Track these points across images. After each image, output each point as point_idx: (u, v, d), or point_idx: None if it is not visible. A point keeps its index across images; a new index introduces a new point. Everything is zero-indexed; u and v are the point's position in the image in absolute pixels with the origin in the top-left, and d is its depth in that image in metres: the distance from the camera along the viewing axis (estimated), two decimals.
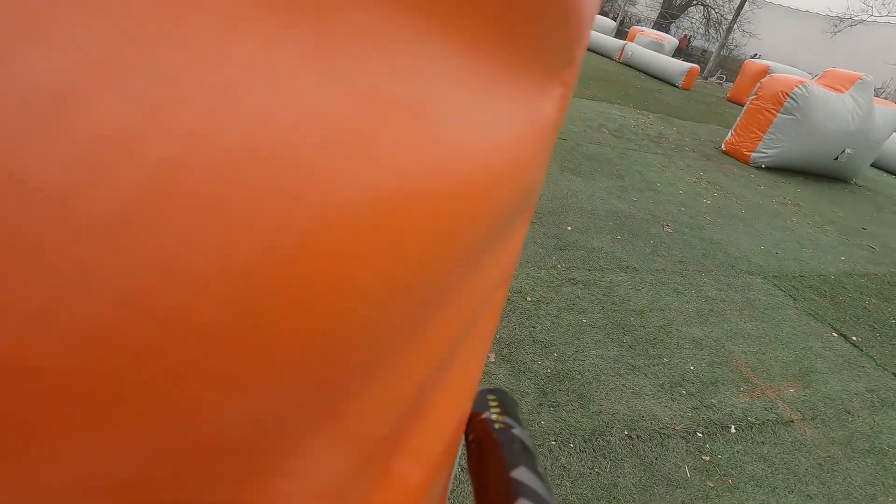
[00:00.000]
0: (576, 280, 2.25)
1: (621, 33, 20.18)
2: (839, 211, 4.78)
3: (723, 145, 5.80)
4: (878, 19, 20.47)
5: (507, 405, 0.30)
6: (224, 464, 0.11)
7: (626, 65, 12.60)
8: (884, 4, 20.30)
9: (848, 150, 5.54)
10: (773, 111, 5.21)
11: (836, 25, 21.48)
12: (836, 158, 5.58)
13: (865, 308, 2.84)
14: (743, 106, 6.17)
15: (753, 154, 5.41)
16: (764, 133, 5.35)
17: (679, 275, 2.58)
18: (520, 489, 0.23)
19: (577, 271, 2.33)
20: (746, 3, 18.70)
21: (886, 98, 17.21)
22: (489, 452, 0.26)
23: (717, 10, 22.77)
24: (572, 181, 3.44)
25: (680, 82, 10.97)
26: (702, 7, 23.81)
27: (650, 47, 13.45)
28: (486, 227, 0.20)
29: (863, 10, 20.80)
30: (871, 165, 7.40)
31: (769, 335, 2.27)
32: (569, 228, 2.73)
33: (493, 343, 1.73)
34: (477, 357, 0.30)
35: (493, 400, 0.30)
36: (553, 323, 1.92)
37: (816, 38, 22.64)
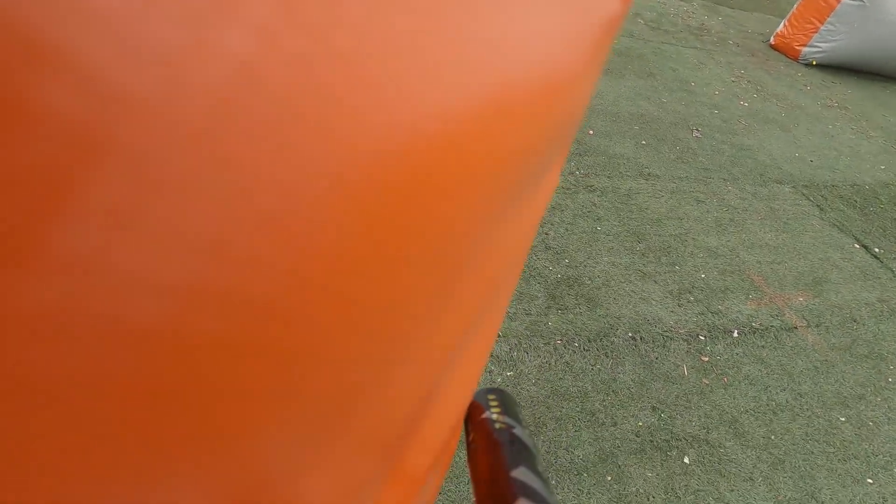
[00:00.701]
0: (593, 187, 2.19)
1: None
2: (890, 116, 4.39)
3: (772, 38, 5.20)
4: None
5: (508, 405, 0.30)
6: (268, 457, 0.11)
7: None
8: None
9: None
10: None
11: None
12: None
13: (895, 220, 2.74)
14: None
15: (805, 49, 4.85)
16: (822, 23, 4.74)
17: (703, 183, 2.48)
18: (520, 489, 0.23)
19: (595, 178, 2.25)
20: None
21: None
22: (489, 452, 0.26)
23: None
24: (599, 80, 3.18)
25: None
26: None
27: None
28: (536, 151, 0.18)
29: None
30: None
31: (788, 245, 2.23)
32: (591, 132, 2.58)
33: None
34: (485, 341, 0.29)
35: (494, 399, 0.30)
36: (567, 230, 1.91)
37: None
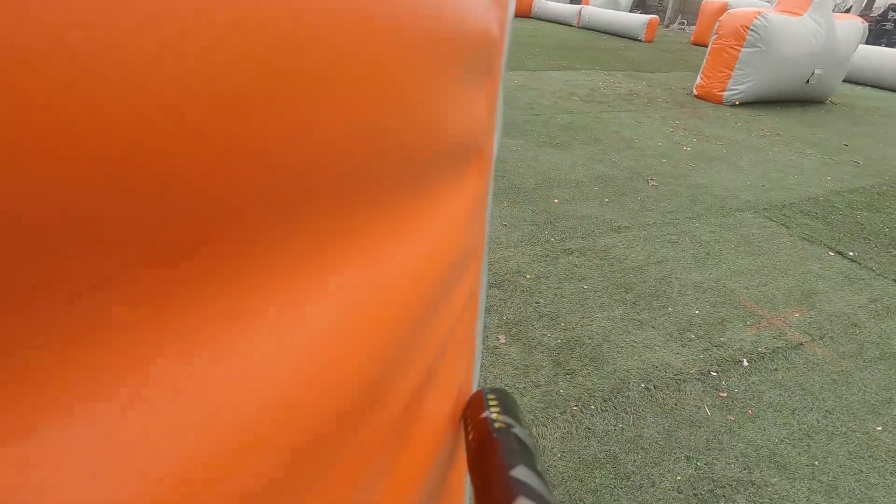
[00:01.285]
0: (571, 250, 2.29)
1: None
2: (818, 133, 4.81)
3: (694, 90, 5.82)
4: None
5: (508, 404, 0.30)
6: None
7: (585, 28, 12.57)
8: None
9: (818, 71, 5.56)
10: (737, 47, 5.22)
11: None
12: (808, 81, 5.60)
13: (858, 222, 2.88)
14: (706, 45, 6.19)
15: (725, 93, 5.43)
16: (732, 70, 5.37)
17: (671, 225, 2.62)
18: (520, 488, 0.23)
19: (570, 241, 2.37)
20: None
21: (849, 6, 17.15)
22: (489, 452, 0.26)
23: None
24: (552, 154, 3.47)
25: (642, 36, 10.94)
26: None
27: (606, 6, 13.40)
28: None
29: None
30: (844, 81, 7.42)
31: (768, 266, 2.31)
32: (555, 201, 2.76)
33: (502, 324, 1.77)
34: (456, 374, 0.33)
35: (493, 399, 0.30)
36: (556, 295, 1.96)
37: None
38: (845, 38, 5.80)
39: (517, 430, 0.27)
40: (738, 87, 5.38)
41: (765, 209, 2.93)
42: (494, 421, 0.28)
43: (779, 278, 2.23)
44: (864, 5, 16.16)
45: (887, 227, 2.85)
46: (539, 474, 0.25)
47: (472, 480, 0.26)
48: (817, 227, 2.78)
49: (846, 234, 2.73)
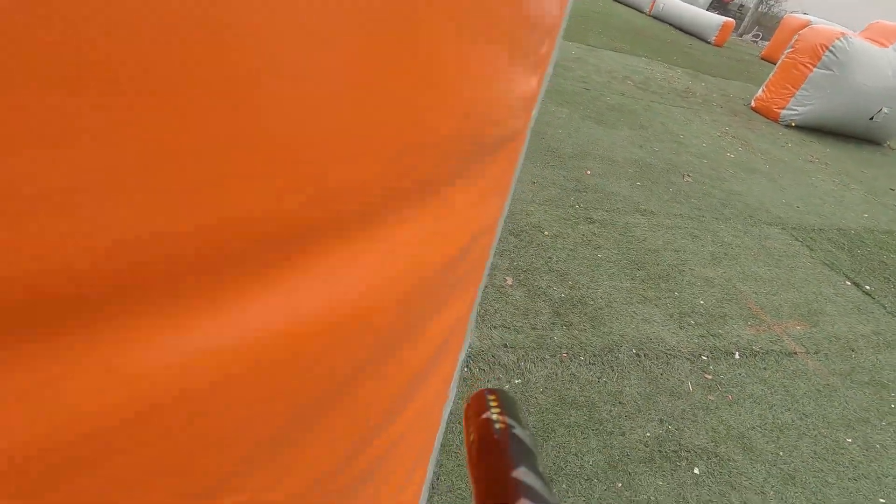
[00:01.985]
0: (593, 219, 2.30)
1: None
2: (868, 171, 4.65)
3: (752, 102, 5.60)
4: None
5: (508, 405, 0.29)
6: None
7: (656, 18, 11.98)
8: None
9: (885, 110, 5.31)
10: (810, 65, 4.98)
11: None
12: (872, 118, 5.36)
13: (883, 262, 2.84)
14: (775, 63, 5.92)
15: (784, 111, 5.23)
16: (797, 89, 5.15)
17: (696, 220, 2.61)
18: (521, 489, 0.23)
19: (594, 211, 2.37)
20: None
21: None
22: (489, 452, 0.26)
23: None
24: (594, 129, 3.41)
25: (713, 38, 10.43)
26: None
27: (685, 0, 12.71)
28: None
29: None
30: None
31: (781, 279, 2.31)
32: (588, 172, 2.74)
33: (512, 269, 1.81)
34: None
35: (494, 400, 0.30)
36: (569, 255, 1.98)
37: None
38: None
39: (518, 430, 0.27)
40: (798, 107, 5.17)
41: (793, 228, 2.89)
42: (495, 421, 0.28)
43: (789, 291, 2.23)
44: None
45: None
46: (540, 475, 0.25)
47: (473, 481, 0.25)
48: (841, 256, 2.75)
49: (868, 268, 2.70)
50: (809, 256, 2.62)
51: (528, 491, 0.23)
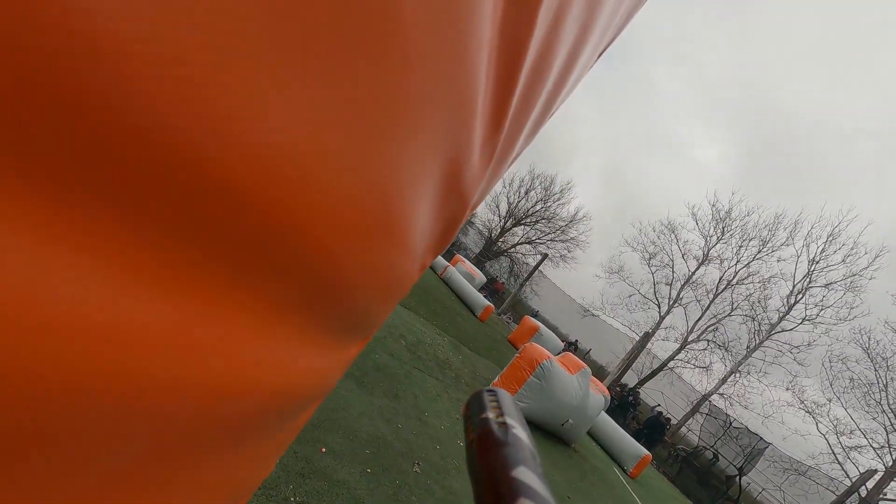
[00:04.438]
0: None
1: (449, 254, 24.08)
2: (557, 474, 5.70)
3: (490, 386, 6.77)
4: (606, 319, 28.94)
5: (507, 405, 0.30)
6: None
7: (444, 282, 14.74)
8: (612, 309, 29.06)
9: (570, 420, 6.98)
10: (528, 372, 6.46)
11: (584, 311, 29.65)
12: (563, 424, 6.93)
13: None
14: (517, 349, 7.57)
15: None
16: (520, 387, 6.49)
17: None
18: (521, 489, 0.23)
19: None
20: (536, 271, 24.73)
21: (608, 374, 23.04)
22: (489, 452, 0.26)
23: (517, 266, 30.06)
24: (351, 391, 3.49)
25: (479, 312, 13.10)
26: (509, 259, 31.22)
27: (465, 277, 16.20)
28: None
29: (599, 308, 29.30)
30: (587, 433, 9.37)
31: None
32: (323, 450, 2.63)
33: None
34: None
35: (493, 400, 0.30)
36: None
37: (574, 315, 30.47)
38: (594, 403, 7.60)
39: (517, 430, 0.27)
40: (520, 402, 6.41)
41: None
42: (494, 421, 0.28)
43: None
44: (616, 377, 21.95)
45: None
46: (540, 476, 0.25)
47: (473, 480, 0.26)
48: None
49: None
50: None
51: (528, 491, 0.23)
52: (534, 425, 6.64)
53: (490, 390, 0.32)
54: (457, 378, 6.08)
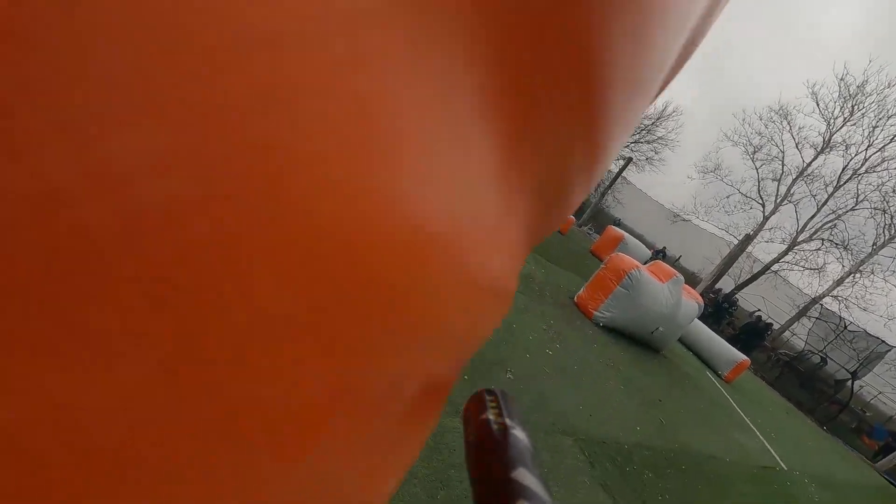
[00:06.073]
0: None
1: None
2: (645, 379, 5.75)
3: (575, 298, 6.78)
4: (699, 223, 26.81)
5: (507, 405, 0.30)
6: None
7: None
8: (706, 212, 26.75)
9: (661, 328, 6.85)
10: (615, 282, 6.33)
11: (674, 217, 27.64)
12: (652, 332, 6.84)
13: (643, 483, 3.36)
14: (601, 261, 7.40)
15: (596, 313, 6.40)
16: (606, 298, 6.42)
17: None
18: (520, 490, 0.23)
19: None
20: (618, 178, 23.14)
21: (701, 280, 21.91)
22: (488, 453, 0.26)
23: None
24: None
25: (559, 226, 12.83)
26: None
27: None
28: None
29: (691, 212, 27.10)
30: (678, 341, 9.20)
31: (563, 502, 2.55)
32: None
33: None
34: None
35: (493, 400, 0.30)
36: None
37: (662, 221, 28.61)
38: (686, 311, 7.35)
39: (517, 431, 0.27)
40: (606, 312, 6.39)
41: (583, 440, 3.32)
42: (494, 422, 0.28)
43: None
44: (710, 283, 20.81)
45: (660, 495, 3.35)
46: (539, 476, 0.25)
47: (472, 482, 0.26)
48: (614, 474, 3.18)
49: (631, 490, 3.15)
50: (590, 475, 2.98)
51: (527, 492, 0.23)
52: (621, 333, 6.64)
53: (490, 390, 0.31)
54: (541, 292, 6.15)
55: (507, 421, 0.28)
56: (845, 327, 18.20)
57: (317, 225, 0.12)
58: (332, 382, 0.15)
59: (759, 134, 24.52)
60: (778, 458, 6.56)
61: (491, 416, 0.29)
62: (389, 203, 0.15)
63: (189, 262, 0.10)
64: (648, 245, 19.51)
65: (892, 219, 20.62)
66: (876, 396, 19.61)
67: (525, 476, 0.25)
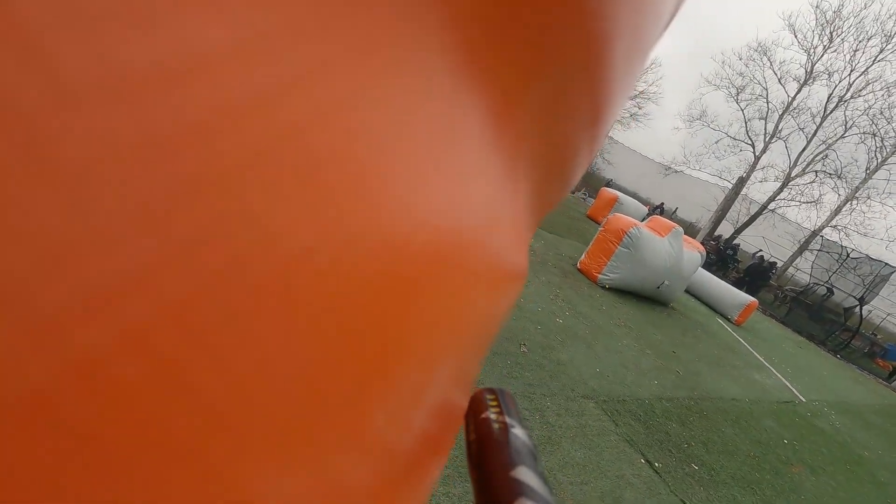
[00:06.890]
0: None
1: None
2: (657, 334, 5.82)
3: (578, 264, 6.81)
4: (692, 173, 26.72)
5: (508, 404, 0.30)
6: None
7: None
8: (697, 160, 26.65)
9: (666, 282, 6.90)
10: (615, 243, 6.34)
11: (666, 170, 27.55)
12: (658, 287, 6.89)
13: (667, 433, 3.43)
14: (598, 224, 7.36)
15: (600, 276, 6.43)
16: (608, 259, 6.44)
17: (528, 399, 2.88)
18: (521, 489, 0.23)
19: None
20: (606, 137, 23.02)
21: (700, 229, 21.94)
22: (489, 452, 0.26)
23: None
24: None
25: None
26: None
27: None
28: None
29: (682, 163, 27.00)
30: (685, 292, 9.26)
31: (592, 464, 2.60)
32: None
33: None
34: None
35: (493, 399, 0.30)
36: None
37: (654, 176, 28.51)
38: (689, 262, 7.38)
39: (517, 430, 0.28)
40: (610, 274, 6.42)
41: (604, 401, 3.38)
42: (494, 421, 0.28)
43: (598, 479, 2.51)
44: (709, 231, 20.86)
45: (686, 443, 3.42)
46: (540, 475, 0.25)
47: (473, 481, 0.26)
48: (638, 429, 3.25)
49: (657, 441, 3.22)
50: (615, 433, 3.04)
51: (528, 490, 0.23)
52: (627, 292, 6.69)
53: (490, 390, 0.32)
54: (543, 262, 6.17)
55: (508, 420, 0.29)
56: (848, 255, 18.31)
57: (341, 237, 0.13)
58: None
59: (741, 74, 24.29)
60: (796, 391, 6.68)
61: (491, 415, 0.29)
62: (400, 211, 0.15)
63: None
64: (643, 202, 19.47)
65: (882, 141, 20.57)
66: (885, 318, 19.86)
67: (526, 474, 0.25)
